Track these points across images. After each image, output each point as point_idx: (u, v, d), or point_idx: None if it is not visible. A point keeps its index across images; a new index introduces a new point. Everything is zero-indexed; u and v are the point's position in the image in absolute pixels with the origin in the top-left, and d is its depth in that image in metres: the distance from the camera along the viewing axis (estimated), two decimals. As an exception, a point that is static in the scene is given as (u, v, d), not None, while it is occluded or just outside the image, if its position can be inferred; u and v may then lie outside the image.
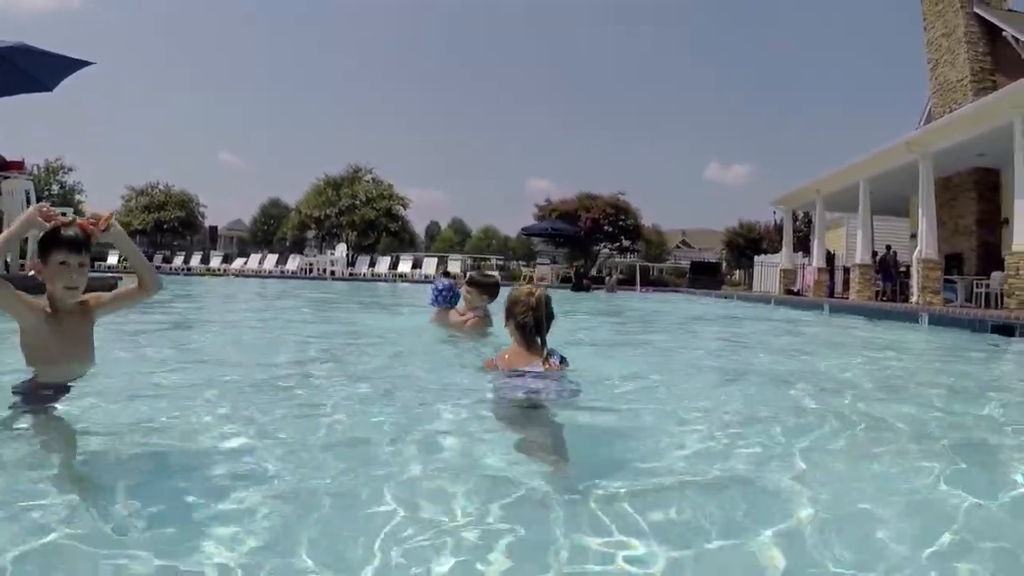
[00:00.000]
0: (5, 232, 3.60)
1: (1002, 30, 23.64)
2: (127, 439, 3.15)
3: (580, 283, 34.20)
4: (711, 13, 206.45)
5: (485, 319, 7.37)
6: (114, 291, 4.11)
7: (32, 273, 3.85)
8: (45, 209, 3.63)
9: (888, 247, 25.27)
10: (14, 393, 3.56)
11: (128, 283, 4.17)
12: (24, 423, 3.35)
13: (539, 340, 4.54)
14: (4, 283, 3.54)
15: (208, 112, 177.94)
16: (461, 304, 7.60)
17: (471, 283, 7.47)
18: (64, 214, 3.70)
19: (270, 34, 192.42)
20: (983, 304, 18.89)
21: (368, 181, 56.61)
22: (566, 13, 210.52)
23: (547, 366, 4.44)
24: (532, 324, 4.52)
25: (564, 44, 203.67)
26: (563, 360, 4.57)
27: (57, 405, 3.53)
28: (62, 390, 3.71)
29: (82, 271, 3.71)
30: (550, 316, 4.58)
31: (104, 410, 3.60)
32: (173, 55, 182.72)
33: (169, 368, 5.27)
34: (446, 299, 7.59)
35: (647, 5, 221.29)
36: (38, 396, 3.60)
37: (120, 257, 48.12)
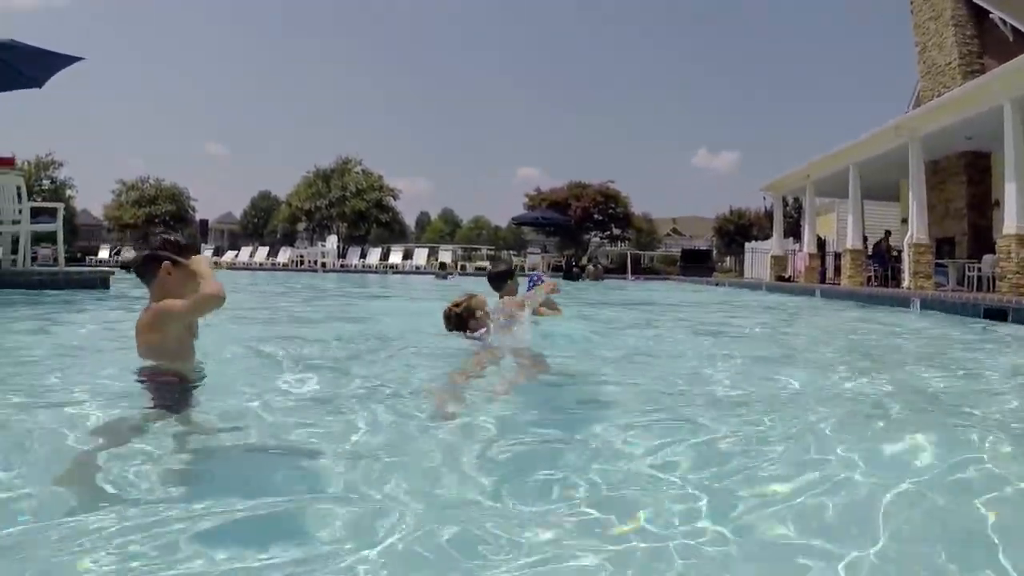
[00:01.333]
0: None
1: (989, 12, 23.64)
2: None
3: (571, 272, 34.49)
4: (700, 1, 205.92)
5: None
6: None
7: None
8: None
9: (888, 232, 25.31)
10: (166, 390, 3.73)
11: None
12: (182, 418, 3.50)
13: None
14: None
15: (195, 103, 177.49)
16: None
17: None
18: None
19: (255, 24, 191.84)
20: (975, 288, 18.93)
21: (358, 173, 56.44)
22: (556, 2, 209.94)
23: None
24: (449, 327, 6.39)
25: (553, 33, 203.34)
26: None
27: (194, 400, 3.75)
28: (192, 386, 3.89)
29: None
30: (459, 320, 6.28)
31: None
32: (157, 47, 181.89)
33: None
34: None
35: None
36: (183, 391, 3.76)
37: (112, 251, 48.24)
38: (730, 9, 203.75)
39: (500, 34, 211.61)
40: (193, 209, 63.27)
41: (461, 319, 6.28)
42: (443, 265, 36.72)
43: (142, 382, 3.76)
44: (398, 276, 36.29)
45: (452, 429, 3.44)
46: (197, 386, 3.86)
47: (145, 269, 3.76)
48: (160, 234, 3.86)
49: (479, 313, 6.30)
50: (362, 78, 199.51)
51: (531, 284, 8.59)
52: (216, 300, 3.55)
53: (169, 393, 3.69)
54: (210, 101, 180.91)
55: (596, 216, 51.98)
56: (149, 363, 3.79)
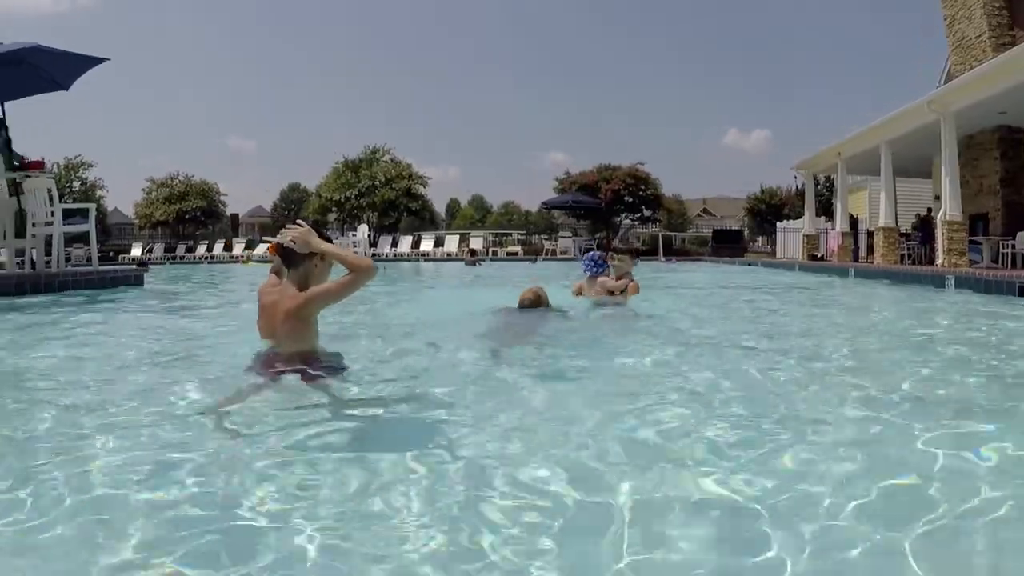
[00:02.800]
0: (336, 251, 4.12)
1: (1019, -18, 23.26)
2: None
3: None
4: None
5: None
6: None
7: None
8: None
9: (929, 210, 25.09)
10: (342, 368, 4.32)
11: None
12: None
13: None
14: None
15: (221, 99, 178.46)
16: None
17: (620, 251, 8.85)
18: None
19: (276, 13, 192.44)
20: (1009, 265, 18.73)
21: (386, 162, 56.54)
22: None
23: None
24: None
25: (579, 16, 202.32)
26: None
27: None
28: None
29: None
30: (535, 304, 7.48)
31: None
32: (179, 45, 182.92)
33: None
34: (600, 267, 8.80)
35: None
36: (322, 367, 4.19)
37: (144, 248, 48.83)
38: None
39: (529, 19, 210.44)
40: (223, 204, 63.86)
41: (537, 303, 7.51)
42: (473, 252, 36.64)
43: (293, 360, 4.08)
44: (430, 264, 36.42)
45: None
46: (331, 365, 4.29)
47: (298, 254, 4.04)
48: (314, 223, 4.18)
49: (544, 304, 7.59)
50: (390, 66, 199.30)
51: (591, 265, 8.84)
52: (370, 271, 3.95)
53: (315, 366, 4.09)
54: (236, 96, 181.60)
55: (626, 198, 51.52)
56: (294, 344, 4.12)
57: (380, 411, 3.70)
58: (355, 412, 3.65)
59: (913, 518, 2.20)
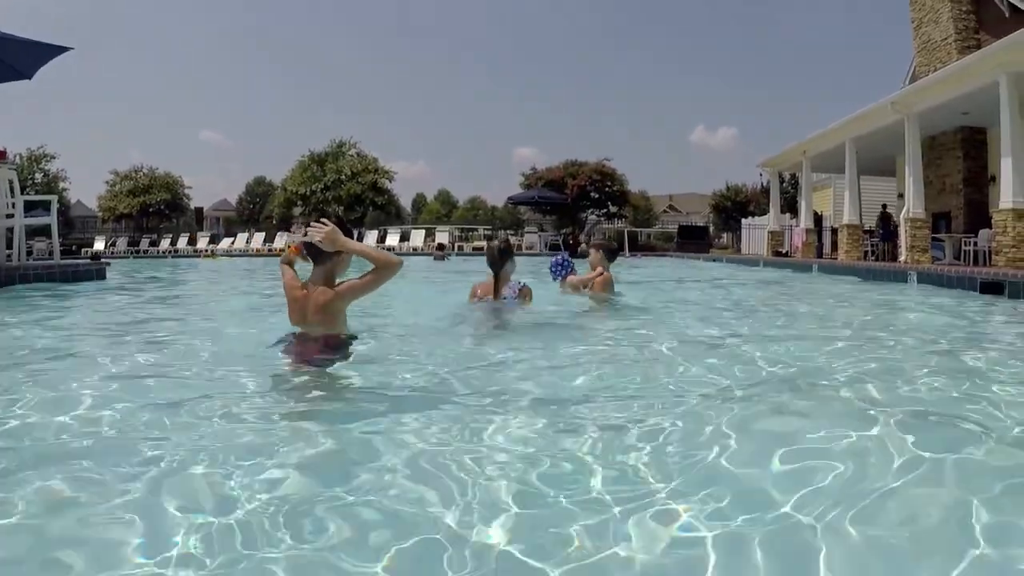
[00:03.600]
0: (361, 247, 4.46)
1: (986, -12, 23.53)
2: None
3: (575, 250, 34.20)
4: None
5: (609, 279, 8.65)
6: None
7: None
8: None
9: (884, 206, 25.39)
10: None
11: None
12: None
13: (496, 273, 7.08)
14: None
15: (187, 90, 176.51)
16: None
17: (597, 247, 8.84)
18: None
19: (249, 6, 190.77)
20: (971, 262, 19.00)
21: (352, 155, 56.26)
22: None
23: (495, 297, 7.09)
24: (489, 263, 7.13)
25: (553, 12, 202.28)
26: (523, 286, 7.15)
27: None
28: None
29: None
30: (503, 257, 7.08)
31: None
32: (147, 32, 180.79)
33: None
34: (565, 267, 8.86)
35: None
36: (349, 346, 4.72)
37: (108, 242, 48.32)
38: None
39: (501, 14, 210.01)
40: (188, 197, 63.16)
41: (506, 251, 7.12)
42: (441, 246, 36.50)
43: (324, 344, 4.54)
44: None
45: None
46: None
47: (324, 251, 4.32)
48: (338, 219, 4.40)
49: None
50: (358, 62, 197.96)
51: (558, 269, 8.86)
52: (395, 268, 4.32)
53: (344, 349, 4.59)
54: (202, 87, 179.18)
55: (592, 194, 51.59)
56: (325, 330, 4.52)
57: (397, 390, 4.14)
58: (376, 387, 4.13)
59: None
